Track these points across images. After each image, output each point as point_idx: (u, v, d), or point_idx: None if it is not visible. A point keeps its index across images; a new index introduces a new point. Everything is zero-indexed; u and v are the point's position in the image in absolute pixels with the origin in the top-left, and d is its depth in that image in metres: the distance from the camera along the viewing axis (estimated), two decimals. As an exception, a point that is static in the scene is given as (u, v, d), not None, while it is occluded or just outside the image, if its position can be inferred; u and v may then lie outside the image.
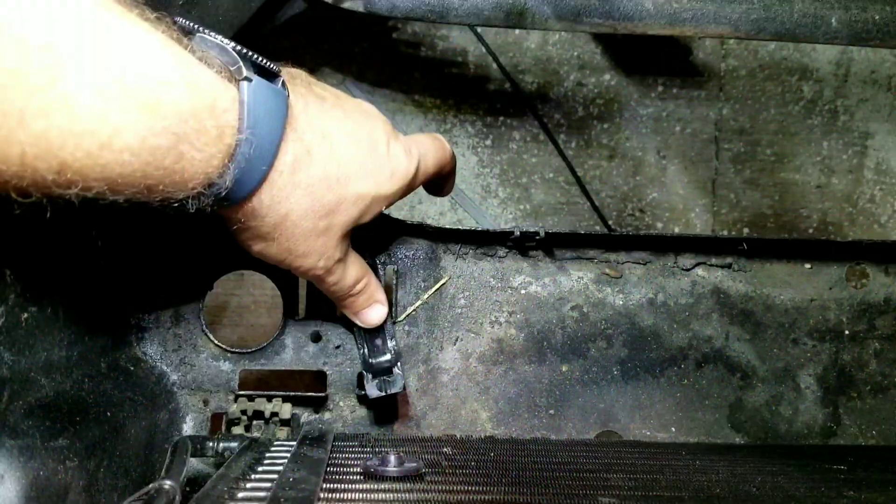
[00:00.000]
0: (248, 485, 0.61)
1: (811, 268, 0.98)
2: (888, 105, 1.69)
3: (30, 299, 0.66)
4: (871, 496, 0.65)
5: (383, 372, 0.85)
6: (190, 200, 0.59)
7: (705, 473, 0.71)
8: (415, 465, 0.65)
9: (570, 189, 1.62)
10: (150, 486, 0.64)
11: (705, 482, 0.68)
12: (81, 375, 0.72)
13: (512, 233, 0.88)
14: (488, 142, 1.59)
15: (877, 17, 1.04)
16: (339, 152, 0.69)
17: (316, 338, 0.90)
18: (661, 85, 1.62)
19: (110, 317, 0.82)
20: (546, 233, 0.87)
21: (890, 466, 0.76)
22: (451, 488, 0.63)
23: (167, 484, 0.64)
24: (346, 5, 0.94)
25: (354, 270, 0.78)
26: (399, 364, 0.86)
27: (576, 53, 1.61)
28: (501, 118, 1.60)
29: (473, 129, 1.59)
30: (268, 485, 0.60)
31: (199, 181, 0.57)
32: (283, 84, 0.65)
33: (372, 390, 0.85)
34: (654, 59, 1.60)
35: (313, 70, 1.12)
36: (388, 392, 0.85)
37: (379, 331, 0.86)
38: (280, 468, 0.64)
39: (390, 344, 0.86)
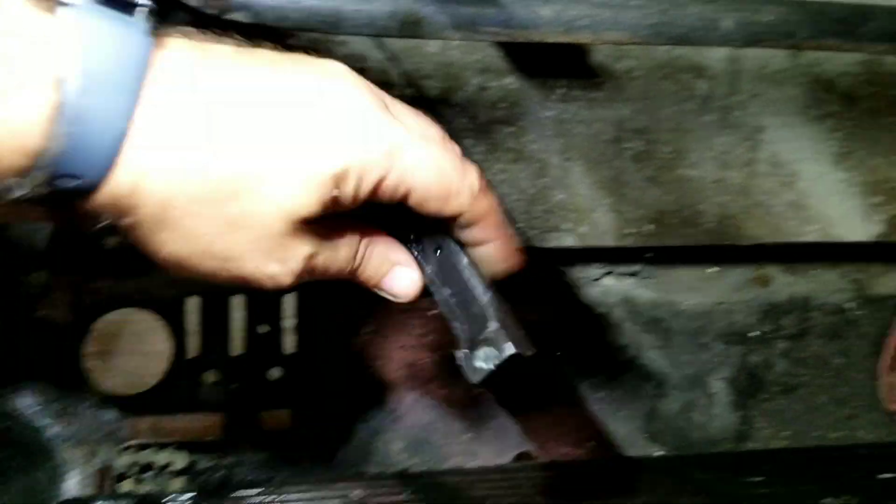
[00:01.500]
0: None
1: (717, 271, 0.98)
2: (778, 99, 1.73)
3: None
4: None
5: (482, 336, 0.57)
6: None
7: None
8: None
9: (477, 194, 1.60)
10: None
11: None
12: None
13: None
14: (390, 149, 1.56)
15: (768, 19, 1.05)
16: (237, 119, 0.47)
17: (212, 374, 0.84)
18: (563, 87, 1.61)
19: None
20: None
21: (806, 472, 0.77)
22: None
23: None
24: (231, 16, 0.88)
25: (343, 251, 0.55)
26: (500, 318, 0.57)
27: (477, 58, 1.59)
28: (403, 124, 1.57)
29: (374, 136, 1.55)
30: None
31: None
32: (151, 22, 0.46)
33: (478, 364, 0.56)
34: (555, 62, 1.60)
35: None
36: (498, 363, 0.55)
37: (460, 279, 0.61)
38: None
39: (481, 291, 0.59)
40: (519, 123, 1.61)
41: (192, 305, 0.83)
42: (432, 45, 1.57)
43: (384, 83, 1.72)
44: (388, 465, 0.86)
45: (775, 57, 1.73)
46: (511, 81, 1.60)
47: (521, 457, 0.90)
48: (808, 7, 1.04)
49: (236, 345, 0.83)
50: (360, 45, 1.52)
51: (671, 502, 0.66)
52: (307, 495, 0.68)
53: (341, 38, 1.60)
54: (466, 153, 1.60)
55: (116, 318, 0.83)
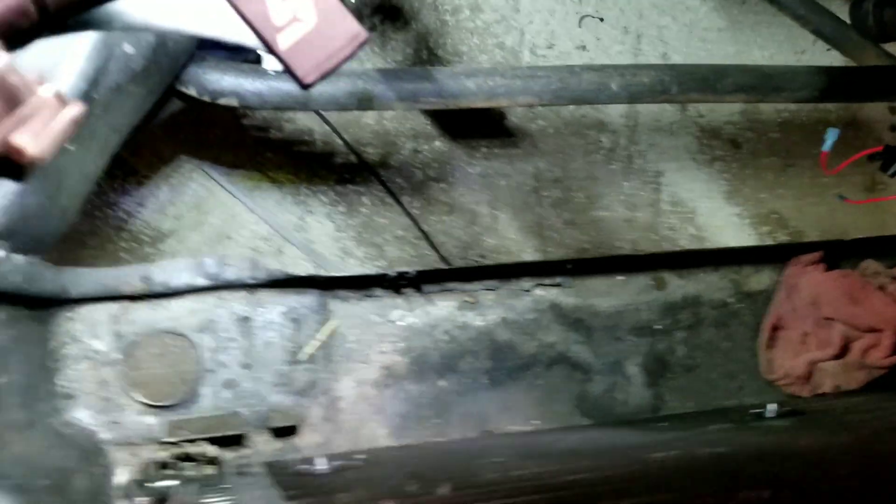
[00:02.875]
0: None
1: (624, 279, 1.22)
2: (672, 147, 1.99)
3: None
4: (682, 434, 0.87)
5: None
6: None
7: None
8: (339, 462, 0.80)
9: (419, 243, 1.78)
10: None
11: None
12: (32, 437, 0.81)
13: (386, 274, 1.06)
14: (341, 208, 1.74)
15: (646, 80, 1.32)
16: None
17: (231, 384, 1.02)
18: (484, 147, 1.83)
19: (40, 385, 0.91)
20: (416, 272, 1.06)
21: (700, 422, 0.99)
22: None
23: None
24: (222, 101, 1.09)
25: None
26: None
27: (409, 125, 1.80)
28: (350, 186, 1.75)
29: (327, 198, 1.74)
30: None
31: None
32: None
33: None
34: (476, 126, 1.82)
35: (171, 158, 1.25)
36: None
37: None
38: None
39: None
40: (449, 180, 1.85)
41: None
42: (369, 117, 1.80)
43: (329, 152, 1.94)
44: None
45: (666, 111, 2.01)
46: (440, 144, 1.84)
47: (483, 433, 1.10)
48: (677, 69, 1.32)
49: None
50: (306, 120, 1.75)
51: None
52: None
53: (289, 115, 1.82)
54: (406, 208, 1.80)
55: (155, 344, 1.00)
